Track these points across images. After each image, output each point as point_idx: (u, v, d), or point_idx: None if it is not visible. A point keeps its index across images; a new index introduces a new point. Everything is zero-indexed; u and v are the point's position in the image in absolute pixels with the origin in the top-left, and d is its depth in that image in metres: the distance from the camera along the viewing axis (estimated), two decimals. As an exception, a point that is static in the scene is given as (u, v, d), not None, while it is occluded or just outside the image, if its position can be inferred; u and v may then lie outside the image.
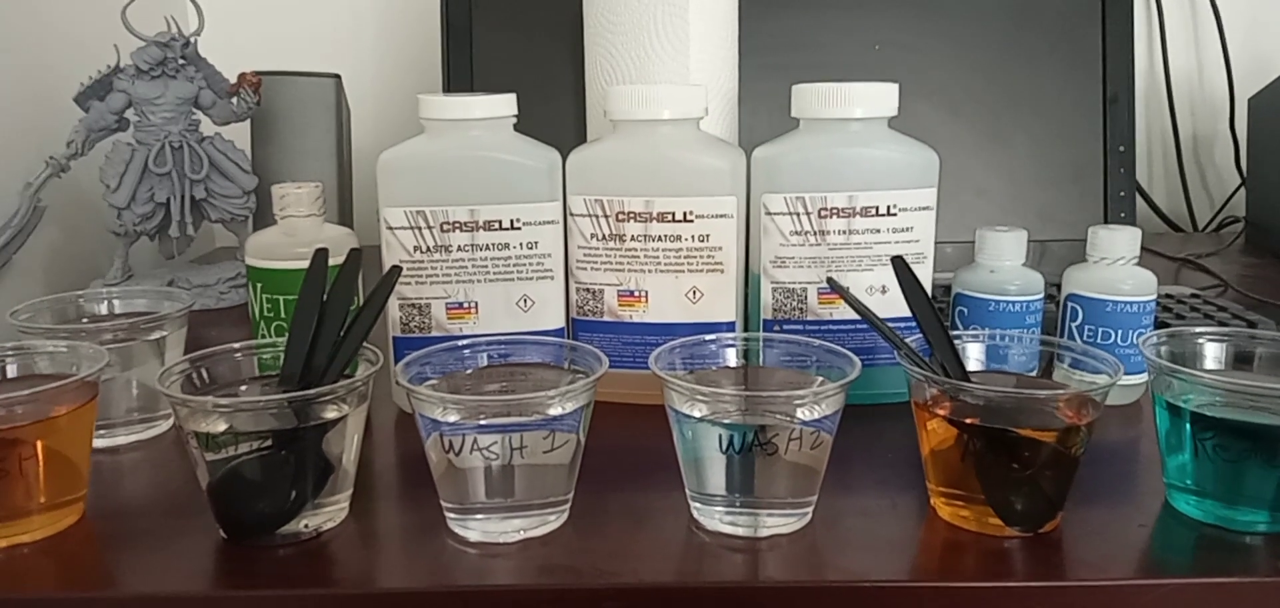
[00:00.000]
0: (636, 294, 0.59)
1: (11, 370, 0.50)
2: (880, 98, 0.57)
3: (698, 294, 0.59)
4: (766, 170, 0.58)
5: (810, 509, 0.46)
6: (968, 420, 0.45)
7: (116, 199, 0.81)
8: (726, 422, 0.44)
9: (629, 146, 0.59)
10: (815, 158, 0.57)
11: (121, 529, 0.47)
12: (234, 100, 0.86)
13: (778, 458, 0.44)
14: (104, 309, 0.61)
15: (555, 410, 0.44)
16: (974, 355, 0.51)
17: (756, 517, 0.45)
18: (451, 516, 0.46)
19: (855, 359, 0.46)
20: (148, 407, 0.57)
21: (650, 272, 0.59)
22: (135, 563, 0.45)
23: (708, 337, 0.51)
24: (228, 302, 0.86)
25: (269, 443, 0.44)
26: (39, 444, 0.45)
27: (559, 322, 0.60)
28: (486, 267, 0.58)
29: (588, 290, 0.60)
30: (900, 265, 0.50)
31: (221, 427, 0.44)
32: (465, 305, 0.58)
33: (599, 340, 0.58)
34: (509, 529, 0.45)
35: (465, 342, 0.50)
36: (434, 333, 0.59)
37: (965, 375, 0.48)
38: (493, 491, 0.45)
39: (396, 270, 0.51)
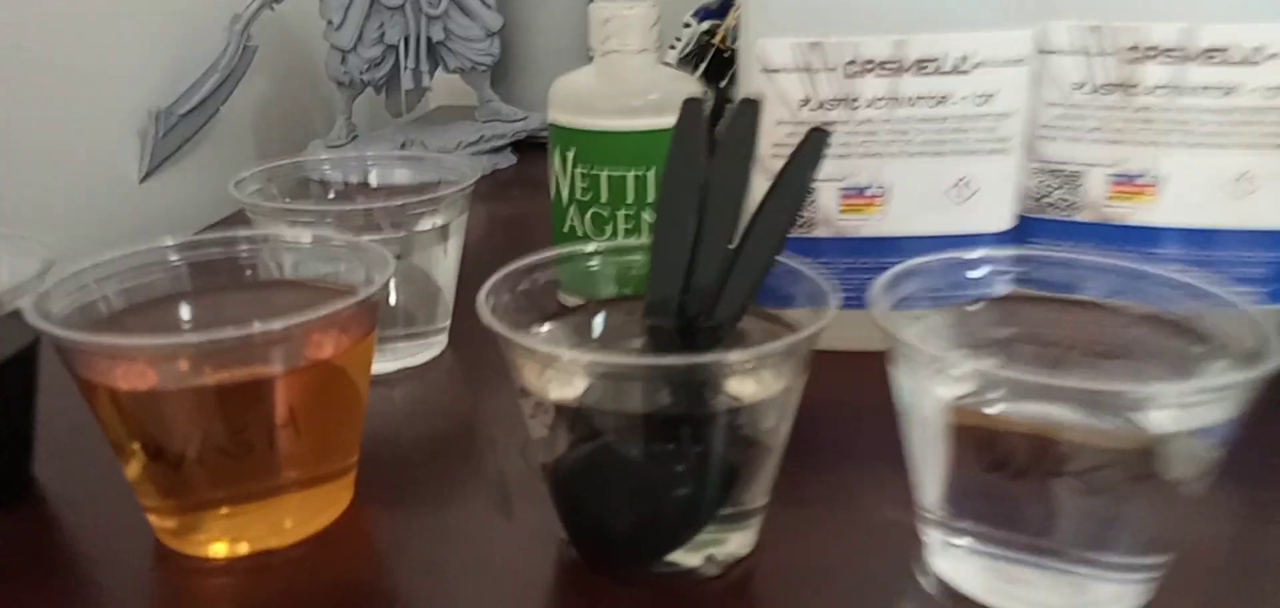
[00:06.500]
0: (1145, 180, 0.38)
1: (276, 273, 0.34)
2: None
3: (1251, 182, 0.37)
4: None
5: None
6: None
7: (340, 39, 0.65)
8: None
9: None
10: None
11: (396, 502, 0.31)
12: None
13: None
14: (344, 180, 0.45)
15: (1168, 417, 0.24)
16: None
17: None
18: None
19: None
20: (420, 320, 0.41)
21: (1176, 146, 0.37)
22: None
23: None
24: (467, 173, 0.70)
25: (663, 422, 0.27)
26: (304, 396, 0.29)
27: (1005, 221, 0.39)
28: (908, 133, 0.38)
29: (1056, 173, 0.39)
30: None
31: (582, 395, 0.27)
32: (869, 191, 0.39)
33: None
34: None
35: (978, 255, 0.30)
36: (818, 234, 0.39)
37: None
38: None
39: (821, 135, 0.32)
